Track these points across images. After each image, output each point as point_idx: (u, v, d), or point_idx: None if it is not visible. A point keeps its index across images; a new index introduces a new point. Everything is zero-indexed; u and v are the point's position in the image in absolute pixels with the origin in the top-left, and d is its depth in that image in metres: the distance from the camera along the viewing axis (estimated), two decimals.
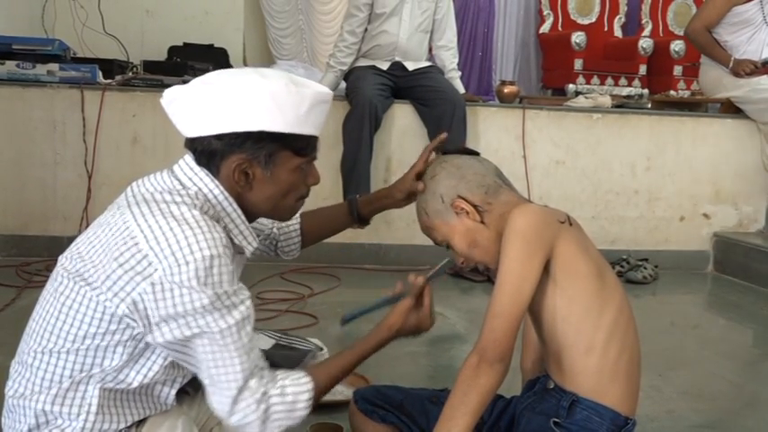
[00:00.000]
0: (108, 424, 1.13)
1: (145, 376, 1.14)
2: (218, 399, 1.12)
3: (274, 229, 1.51)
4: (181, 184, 1.16)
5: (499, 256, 1.28)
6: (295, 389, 1.15)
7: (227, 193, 1.17)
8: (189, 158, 1.18)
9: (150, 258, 1.05)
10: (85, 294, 1.09)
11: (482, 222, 1.28)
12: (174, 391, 1.22)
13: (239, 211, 1.19)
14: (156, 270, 1.05)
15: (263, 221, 1.49)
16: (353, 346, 1.29)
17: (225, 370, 1.09)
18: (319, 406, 1.62)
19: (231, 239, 1.19)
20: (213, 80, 1.14)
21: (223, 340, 1.08)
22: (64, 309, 1.11)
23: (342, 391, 1.93)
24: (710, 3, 4.07)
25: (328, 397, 1.85)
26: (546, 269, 1.19)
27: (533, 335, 1.35)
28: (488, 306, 1.16)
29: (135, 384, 1.14)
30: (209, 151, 1.15)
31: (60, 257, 1.17)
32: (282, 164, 1.17)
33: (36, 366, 1.13)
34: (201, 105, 1.13)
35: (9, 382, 1.17)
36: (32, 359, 1.13)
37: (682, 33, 5.26)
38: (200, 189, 1.15)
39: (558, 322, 1.21)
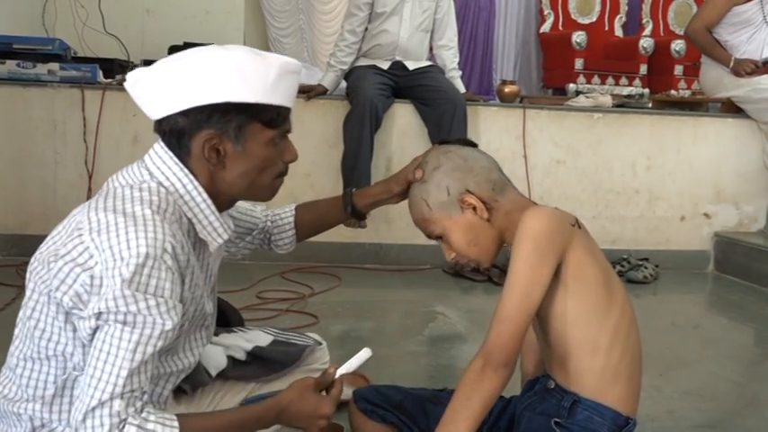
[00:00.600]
0: None
1: None
2: (77, 405, 1.02)
3: (268, 222, 1.48)
4: (149, 174, 1.12)
5: (493, 256, 1.28)
6: (156, 427, 1.02)
7: (196, 182, 1.13)
8: (158, 146, 1.14)
9: (91, 251, 1.03)
10: (41, 292, 1.07)
11: (488, 220, 1.25)
12: (167, 391, 1.20)
13: (209, 201, 1.14)
14: (96, 263, 1.02)
15: (256, 214, 1.46)
16: (239, 408, 1.20)
17: (99, 374, 1.00)
18: None
19: (197, 233, 1.15)
20: (176, 58, 1.11)
21: (118, 344, 1.00)
22: (35, 314, 1.09)
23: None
24: (710, 3, 4.07)
25: None
26: (556, 274, 1.16)
27: (533, 337, 1.33)
28: (496, 309, 1.14)
29: None
30: (176, 131, 1.11)
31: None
32: (253, 137, 1.12)
33: (20, 374, 1.11)
34: (165, 83, 1.09)
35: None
36: (15, 366, 1.12)
37: (682, 33, 5.26)
38: (167, 178, 1.12)
39: (568, 326, 1.19)
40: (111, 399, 1.00)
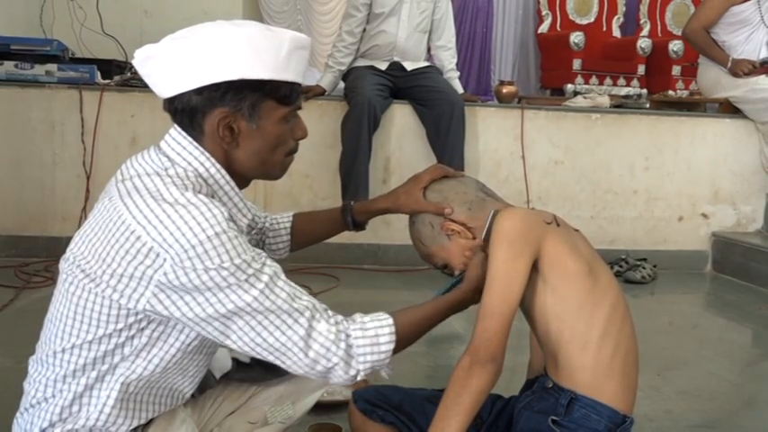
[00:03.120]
0: (123, 418, 1.10)
1: (166, 352, 1.10)
2: (291, 361, 1.07)
3: (266, 223, 1.48)
4: (170, 160, 1.10)
5: None
6: (375, 323, 1.12)
7: (218, 166, 1.12)
8: (174, 132, 1.13)
9: (156, 249, 1.01)
10: (100, 294, 1.05)
11: (474, 238, 1.30)
12: (190, 388, 1.20)
13: (232, 183, 1.14)
14: (165, 260, 1.00)
15: (257, 212, 1.45)
16: (438, 299, 1.24)
17: (279, 332, 1.04)
18: (319, 406, 1.63)
19: None
20: (186, 34, 1.10)
21: (261, 306, 1.04)
22: (79, 309, 1.07)
23: (341, 392, 1.93)
24: (708, 3, 4.07)
25: (327, 397, 1.87)
26: (535, 268, 1.20)
27: None
28: (479, 308, 1.18)
29: (158, 369, 1.10)
30: (189, 109, 1.09)
31: (62, 259, 1.12)
32: (267, 115, 1.12)
33: (57, 365, 1.10)
34: (177, 60, 1.08)
35: (29, 381, 1.14)
36: (53, 359, 1.10)
37: (680, 33, 5.26)
38: (189, 163, 1.10)
39: (551, 320, 1.21)
40: (309, 326, 1.06)
